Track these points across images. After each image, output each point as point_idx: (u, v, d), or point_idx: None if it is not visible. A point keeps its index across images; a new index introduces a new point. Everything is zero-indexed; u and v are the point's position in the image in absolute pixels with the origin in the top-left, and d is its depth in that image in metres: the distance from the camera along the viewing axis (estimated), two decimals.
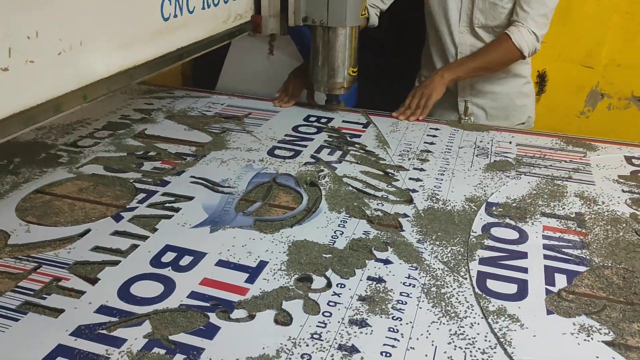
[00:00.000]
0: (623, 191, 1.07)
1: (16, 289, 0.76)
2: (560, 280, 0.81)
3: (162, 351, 0.66)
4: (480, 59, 1.42)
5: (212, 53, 1.15)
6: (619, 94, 1.68)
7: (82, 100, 0.79)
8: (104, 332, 0.69)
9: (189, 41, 1.05)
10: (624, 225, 0.95)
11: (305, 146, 1.24)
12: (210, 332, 0.70)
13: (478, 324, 0.72)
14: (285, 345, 0.68)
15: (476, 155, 1.22)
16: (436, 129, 1.36)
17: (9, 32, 0.64)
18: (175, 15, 0.98)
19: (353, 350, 0.68)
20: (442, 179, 1.11)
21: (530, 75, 1.55)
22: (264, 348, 0.67)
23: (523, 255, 0.87)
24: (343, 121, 1.40)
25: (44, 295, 0.75)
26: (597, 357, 0.67)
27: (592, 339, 0.70)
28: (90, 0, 0.76)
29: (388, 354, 0.67)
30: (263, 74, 1.69)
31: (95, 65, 0.81)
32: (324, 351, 0.67)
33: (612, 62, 1.56)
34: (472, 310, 0.75)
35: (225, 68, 1.73)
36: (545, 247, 0.89)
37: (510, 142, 1.29)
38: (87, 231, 0.90)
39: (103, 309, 0.73)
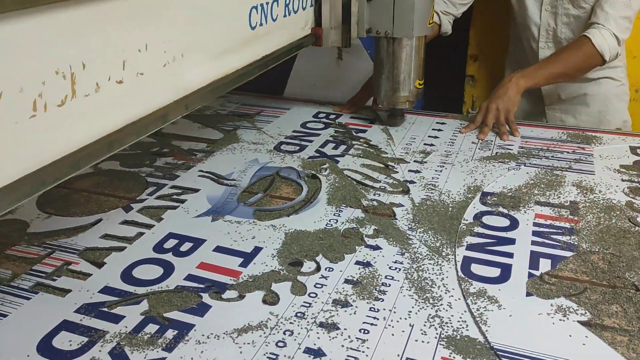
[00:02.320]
0: (622, 180, 1.08)
1: (30, 271, 0.83)
2: (545, 265, 0.83)
3: (156, 327, 0.72)
4: (558, 64, 1.33)
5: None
6: (636, 85, 1.66)
7: (184, 109, 0.82)
8: (105, 309, 0.75)
9: (272, 49, 1.08)
10: (618, 212, 0.96)
11: (312, 141, 1.29)
12: (201, 310, 0.75)
13: (456, 301, 0.75)
14: (270, 320, 0.72)
15: (479, 148, 1.24)
16: (442, 123, 1.39)
17: (124, 46, 0.68)
18: (261, 24, 1.02)
19: (333, 327, 0.72)
20: (441, 171, 1.13)
21: (625, 76, 1.51)
22: (247, 323, 0.72)
23: (511, 241, 0.89)
24: (351, 117, 1.44)
25: (54, 277, 0.81)
26: (570, 336, 0.69)
27: (567, 319, 0.72)
28: (189, 13, 0.80)
29: (366, 331, 0.71)
30: (332, 79, 1.67)
31: (194, 76, 0.85)
32: (305, 328, 0.71)
33: (629, 54, 1.55)
34: (453, 292, 0.77)
35: (293, 73, 1.72)
36: (535, 233, 0.91)
37: (515, 137, 1.30)
38: (99, 221, 0.96)
39: (106, 290, 0.79)
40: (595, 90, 1.48)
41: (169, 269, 0.83)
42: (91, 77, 0.63)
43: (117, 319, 0.73)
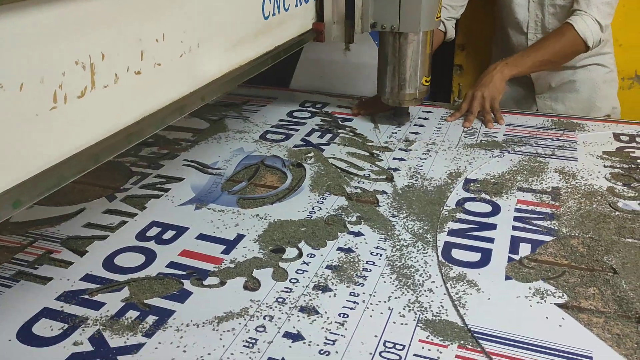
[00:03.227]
0: (605, 166, 1.08)
1: (12, 260, 0.83)
2: (525, 249, 0.84)
3: (136, 313, 0.72)
4: (542, 51, 1.33)
5: None
6: (622, 73, 1.67)
7: (200, 101, 0.81)
8: (86, 297, 0.75)
9: (285, 39, 1.08)
10: (599, 198, 0.97)
11: (298, 130, 1.29)
12: (182, 296, 0.75)
13: (437, 287, 0.76)
14: (251, 307, 0.73)
15: (464, 136, 1.24)
16: (428, 112, 1.39)
17: (142, 35, 0.67)
18: (274, 14, 1.01)
19: (313, 311, 0.72)
20: (425, 159, 1.14)
21: (614, 63, 1.51)
22: (228, 310, 0.72)
23: (492, 226, 0.90)
24: (338, 106, 1.44)
25: (36, 266, 0.81)
26: (547, 317, 0.70)
27: (545, 301, 0.73)
28: (204, 2, 0.79)
29: (346, 315, 0.71)
30: (339, 71, 1.64)
31: (210, 67, 0.84)
32: (285, 313, 0.72)
33: (615, 42, 1.55)
34: (434, 278, 0.78)
35: (299, 65, 1.69)
36: (516, 219, 0.92)
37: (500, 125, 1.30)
38: (82, 210, 0.96)
39: (88, 277, 0.79)
40: (585, 77, 1.48)
41: (151, 256, 0.83)
42: (110, 67, 0.63)
43: (97, 305, 0.73)
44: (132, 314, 0.72)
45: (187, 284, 0.78)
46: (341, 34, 1.22)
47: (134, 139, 0.68)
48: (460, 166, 1.10)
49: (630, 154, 1.13)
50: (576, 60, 1.43)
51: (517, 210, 0.94)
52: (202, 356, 0.65)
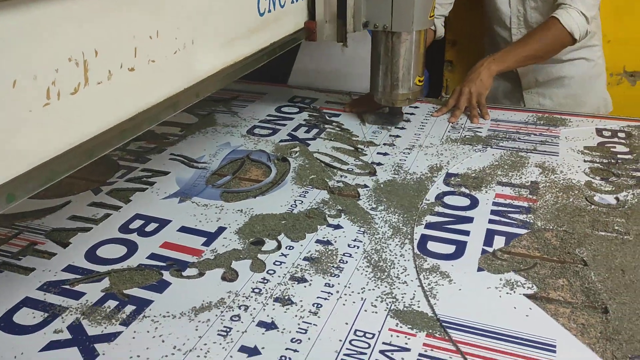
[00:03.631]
0: (584, 161, 1.10)
1: None
2: (499, 242, 0.85)
3: (115, 302, 0.74)
4: (529, 46, 1.34)
5: None
6: (611, 69, 1.68)
7: (195, 97, 0.82)
8: (67, 287, 0.77)
9: (280, 35, 1.08)
10: (576, 192, 0.98)
11: (285, 125, 1.30)
12: (161, 287, 0.77)
13: (412, 280, 0.77)
14: (228, 297, 0.74)
15: (448, 131, 1.25)
16: (415, 107, 1.40)
17: (135, 32, 0.68)
18: (270, 10, 1.02)
19: (288, 301, 0.74)
20: (409, 153, 1.15)
21: (602, 56, 1.52)
22: (205, 300, 0.74)
23: (469, 220, 0.91)
24: (326, 102, 1.45)
25: (19, 257, 0.83)
26: (515, 308, 0.72)
27: (514, 292, 0.74)
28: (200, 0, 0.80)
29: (319, 305, 0.73)
30: (337, 68, 1.63)
31: (204, 63, 0.85)
32: (261, 302, 0.74)
33: (603, 38, 1.56)
34: (407, 269, 0.80)
35: (297, 62, 1.68)
36: (493, 212, 0.93)
37: (485, 120, 1.32)
38: (67, 202, 0.98)
39: (69, 268, 0.81)
40: (572, 72, 1.49)
41: (132, 248, 0.85)
42: (103, 64, 0.63)
43: (78, 295, 0.75)
44: (111, 304, 0.74)
45: (166, 275, 0.79)
46: (333, 32, 1.21)
47: (127, 135, 0.69)
48: (442, 161, 1.11)
49: (611, 149, 1.14)
50: (563, 53, 1.43)
51: (494, 204, 0.96)
52: (176, 346, 0.67)
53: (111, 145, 0.67)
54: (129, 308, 0.73)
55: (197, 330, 0.69)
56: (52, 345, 0.67)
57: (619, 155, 1.11)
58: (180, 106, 0.79)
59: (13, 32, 0.52)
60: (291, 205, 0.96)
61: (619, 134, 1.21)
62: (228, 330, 0.69)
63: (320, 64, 1.65)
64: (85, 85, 0.61)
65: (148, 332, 0.69)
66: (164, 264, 0.81)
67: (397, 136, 1.23)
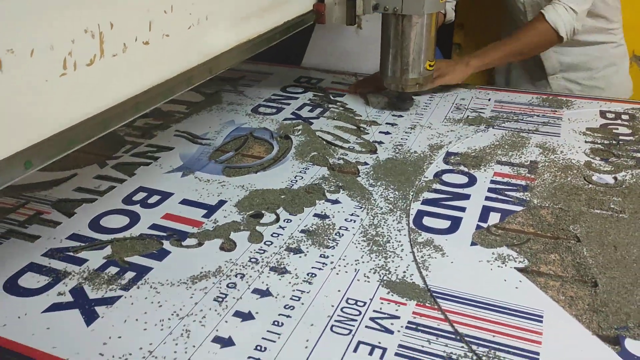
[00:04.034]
0: (586, 142, 1.10)
1: (4, 220, 0.88)
2: (494, 218, 0.86)
3: (116, 269, 0.76)
4: (513, 43, 1.32)
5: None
6: None
7: (208, 73, 0.83)
8: (71, 253, 0.80)
9: (294, 14, 1.09)
10: (575, 171, 0.99)
11: (289, 104, 1.32)
12: (161, 255, 0.79)
13: (406, 255, 0.79)
14: (225, 266, 0.77)
15: (451, 112, 1.26)
16: None
17: (150, 6, 0.69)
18: None
19: (283, 271, 0.76)
20: (410, 133, 1.16)
21: (623, 37, 1.48)
22: (203, 267, 0.76)
23: (466, 197, 0.92)
24: (332, 82, 1.46)
25: (25, 225, 0.86)
26: (505, 280, 0.73)
27: (505, 265, 0.76)
28: None
29: (314, 275, 0.75)
30: (351, 49, 1.62)
31: (218, 40, 0.86)
32: (257, 271, 0.76)
33: None
34: (402, 244, 0.81)
35: (311, 43, 1.66)
36: (490, 190, 0.94)
37: (489, 100, 1.32)
38: (74, 175, 1.01)
39: (73, 237, 0.83)
40: (596, 54, 1.45)
41: (135, 218, 0.87)
42: (119, 37, 0.65)
43: (80, 262, 0.78)
44: (112, 270, 0.76)
45: (166, 244, 0.81)
46: (343, 15, 1.20)
47: (142, 108, 0.71)
48: (443, 140, 1.12)
49: (613, 131, 1.14)
50: (584, 35, 1.39)
51: (492, 182, 0.96)
52: (173, 312, 0.69)
53: (125, 117, 0.69)
54: (129, 274, 0.75)
55: (192, 297, 0.71)
56: (55, 307, 0.70)
57: (620, 137, 1.11)
58: (194, 81, 0.81)
59: (31, 2, 0.53)
60: (291, 181, 0.98)
61: (623, 116, 1.21)
62: (224, 296, 0.71)
63: (334, 46, 1.63)
64: (100, 57, 0.63)
65: (146, 298, 0.71)
66: (164, 234, 0.84)
67: (400, 116, 1.24)
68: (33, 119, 0.57)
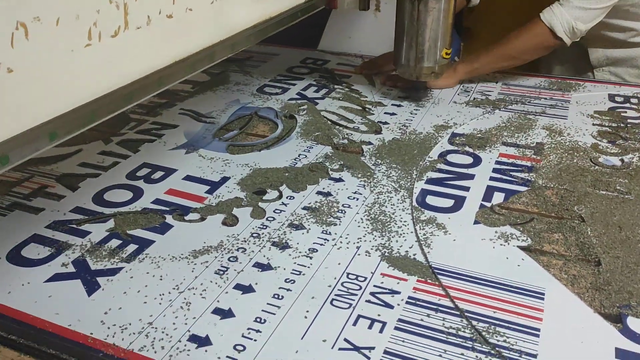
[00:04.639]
0: (593, 125, 1.09)
1: (10, 193, 0.88)
2: (498, 198, 0.86)
3: (118, 242, 0.76)
4: (504, 46, 1.22)
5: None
6: None
7: (230, 50, 0.82)
8: (74, 226, 0.80)
9: None
10: (581, 153, 0.98)
11: (295, 85, 1.31)
12: (163, 229, 0.79)
13: (408, 233, 0.78)
14: (227, 240, 0.77)
15: (458, 93, 1.25)
16: None
17: None
18: None
19: (285, 246, 0.75)
20: (416, 114, 1.15)
21: None
22: (205, 242, 0.76)
23: (470, 177, 0.92)
24: (338, 63, 1.45)
25: (30, 198, 0.86)
26: (507, 258, 0.72)
27: (508, 244, 0.75)
28: None
29: (315, 250, 0.75)
30: (369, 32, 1.56)
31: (240, 16, 0.85)
32: (258, 246, 0.76)
33: None
34: (405, 222, 0.81)
35: (328, 25, 1.61)
36: (495, 170, 0.93)
37: (496, 82, 1.30)
38: (79, 151, 1.01)
39: (77, 210, 0.84)
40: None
41: (138, 193, 0.88)
42: (143, 8, 0.64)
43: (83, 234, 0.78)
44: (114, 243, 0.76)
45: (169, 219, 0.82)
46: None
47: (165, 82, 0.70)
48: (449, 122, 1.11)
49: (622, 114, 1.13)
50: (627, 35, 1.28)
51: (497, 162, 0.96)
52: (175, 285, 0.69)
53: (149, 91, 0.68)
54: (131, 247, 0.75)
55: (193, 271, 0.71)
56: (57, 277, 0.70)
57: (628, 120, 1.10)
58: (216, 57, 0.80)
59: None
60: (295, 160, 0.98)
61: (632, 100, 1.19)
62: (225, 269, 0.71)
63: (352, 29, 1.59)
64: (125, 29, 0.62)
65: (148, 272, 0.71)
66: (167, 209, 0.84)
67: (406, 97, 1.23)
68: (58, 90, 0.56)
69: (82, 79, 0.59)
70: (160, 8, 0.67)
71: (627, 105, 1.17)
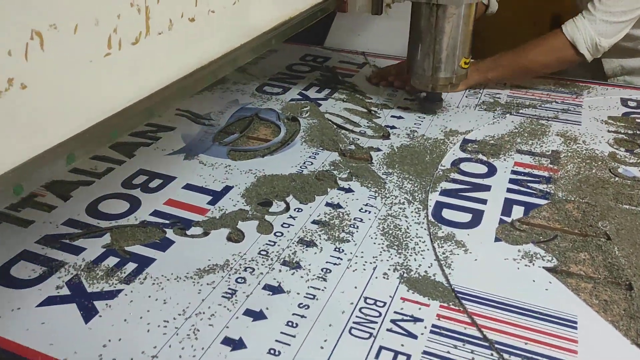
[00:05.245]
0: (608, 131, 1.05)
1: None
2: (517, 212, 0.81)
3: (116, 260, 0.71)
4: (519, 58, 1.15)
5: None
6: None
7: (251, 54, 0.78)
8: (67, 241, 0.74)
9: None
10: (600, 163, 0.94)
11: (295, 84, 1.25)
12: (164, 245, 0.74)
13: (426, 250, 0.74)
14: (234, 259, 0.71)
15: (466, 97, 1.20)
16: None
17: None
18: None
19: (296, 266, 0.70)
20: (424, 117, 1.10)
21: None
22: (209, 261, 0.71)
23: (486, 188, 0.87)
24: (339, 61, 1.40)
25: (18, 209, 0.80)
26: (534, 281, 0.68)
27: (533, 264, 0.71)
28: None
29: (329, 271, 0.70)
30: (379, 29, 1.49)
31: (261, 17, 0.81)
32: (267, 266, 0.70)
33: None
34: (422, 238, 0.76)
35: (336, 21, 1.54)
36: (511, 181, 0.89)
37: (504, 84, 1.26)
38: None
39: (70, 222, 0.78)
40: None
41: (135, 204, 0.82)
42: (165, 12, 0.59)
43: (78, 250, 0.72)
44: (112, 261, 0.71)
45: (169, 233, 0.76)
46: (368, 2, 1.06)
47: (187, 92, 0.66)
48: (460, 126, 1.07)
49: (636, 120, 1.09)
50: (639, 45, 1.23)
51: (513, 172, 0.91)
52: (181, 310, 0.64)
53: (170, 103, 0.63)
54: (130, 266, 0.70)
55: (200, 293, 0.66)
56: (50, 301, 0.64)
57: None
58: (238, 62, 0.75)
59: None
60: (300, 167, 0.92)
61: None
62: (232, 292, 0.66)
63: (360, 25, 1.52)
64: (146, 34, 0.57)
65: (150, 296, 0.66)
66: (167, 222, 0.78)
67: (413, 99, 1.18)
68: (76, 105, 0.51)
69: (101, 92, 0.54)
70: (183, 10, 0.63)
71: None
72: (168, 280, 0.68)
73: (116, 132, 0.55)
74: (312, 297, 0.66)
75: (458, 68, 1.06)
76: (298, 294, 0.66)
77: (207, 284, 0.68)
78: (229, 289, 0.67)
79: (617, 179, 0.89)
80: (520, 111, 1.13)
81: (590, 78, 1.32)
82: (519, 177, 0.90)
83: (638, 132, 1.04)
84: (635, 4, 1.06)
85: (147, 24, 0.57)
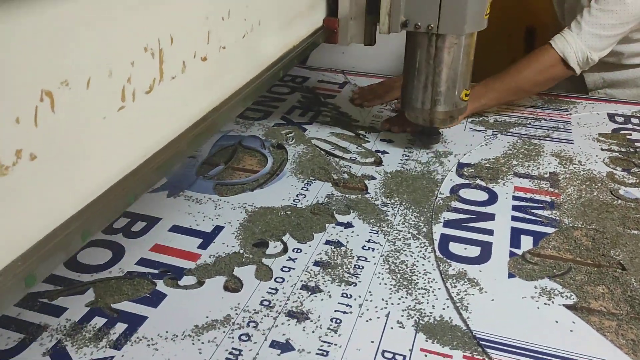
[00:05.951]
0: (602, 150, 1.03)
1: None
2: (527, 243, 0.78)
3: (103, 320, 0.64)
4: (511, 80, 1.10)
5: None
6: None
7: (261, 89, 0.74)
8: (45, 300, 0.67)
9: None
10: (599, 185, 0.92)
11: (277, 107, 1.20)
12: (155, 299, 0.67)
13: (437, 289, 0.70)
14: (234, 312, 0.65)
15: None
16: None
17: (208, 12, 0.59)
18: None
19: (302, 316, 0.65)
20: (414, 140, 1.07)
21: None
22: (208, 316, 0.65)
23: (490, 217, 0.84)
24: (319, 81, 1.35)
25: None
26: (557, 322, 0.65)
27: (553, 302, 0.67)
28: None
29: (339, 321, 0.65)
30: (365, 48, 1.30)
31: (270, 47, 0.77)
32: (272, 318, 0.65)
33: None
34: (431, 275, 0.72)
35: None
36: (514, 208, 0.86)
37: None
38: None
39: (47, 278, 0.70)
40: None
41: (118, 252, 0.75)
42: (178, 53, 0.55)
43: (59, 311, 0.65)
44: (98, 321, 0.64)
45: (160, 285, 0.70)
46: (360, 32, 0.97)
47: (202, 140, 0.61)
48: (452, 147, 1.03)
49: (627, 137, 1.08)
50: (622, 59, 1.21)
51: (515, 198, 0.88)
52: None
53: (185, 154, 0.58)
54: (120, 327, 0.63)
55: (201, 353, 0.60)
56: None
57: (636, 144, 1.05)
58: (248, 101, 0.71)
59: (87, 18, 0.42)
60: (293, 200, 0.87)
61: (632, 120, 1.15)
62: (238, 352, 0.60)
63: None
64: (160, 81, 0.52)
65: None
66: (156, 272, 0.72)
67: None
68: (89, 170, 0.45)
69: (114, 152, 0.48)
70: (195, 50, 0.58)
71: (630, 126, 1.13)
72: (165, 340, 0.62)
73: (133, 197, 0.49)
74: (324, 354, 0.60)
75: (458, 100, 0.98)
76: (309, 352, 0.60)
77: (208, 341, 0.61)
78: (233, 348, 0.61)
79: (620, 201, 0.87)
80: (510, 130, 1.10)
81: (572, 90, 1.32)
82: (522, 203, 0.87)
83: (631, 149, 1.03)
84: (625, 18, 1.05)
85: (160, 68, 0.52)
